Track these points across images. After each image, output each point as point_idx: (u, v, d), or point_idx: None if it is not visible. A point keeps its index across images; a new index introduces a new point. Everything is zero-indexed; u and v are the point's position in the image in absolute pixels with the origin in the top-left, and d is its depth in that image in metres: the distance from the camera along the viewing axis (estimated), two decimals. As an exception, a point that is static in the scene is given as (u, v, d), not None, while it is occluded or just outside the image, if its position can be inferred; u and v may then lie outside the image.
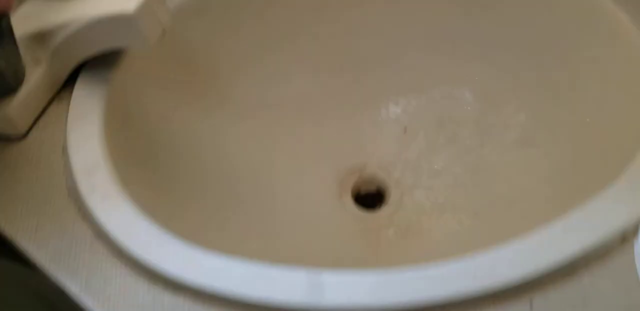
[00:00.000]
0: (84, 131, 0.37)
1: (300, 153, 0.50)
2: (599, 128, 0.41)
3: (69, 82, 0.41)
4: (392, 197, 0.49)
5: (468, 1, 0.48)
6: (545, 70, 0.46)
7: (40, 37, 0.39)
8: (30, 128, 0.39)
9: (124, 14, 0.35)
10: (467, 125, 0.49)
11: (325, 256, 0.42)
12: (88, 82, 0.40)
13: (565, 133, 0.44)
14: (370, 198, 0.49)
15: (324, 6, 0.49)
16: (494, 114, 0.49)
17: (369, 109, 0.52)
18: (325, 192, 0.49)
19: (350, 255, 0.45)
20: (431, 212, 0.46)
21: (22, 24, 0.40)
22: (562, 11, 0.44)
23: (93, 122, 0.37)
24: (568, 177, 0.41)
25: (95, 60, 0.41)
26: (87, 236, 0.34)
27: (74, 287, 0.32)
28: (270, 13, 0.48)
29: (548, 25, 0.45)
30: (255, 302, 0.29)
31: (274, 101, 0.50)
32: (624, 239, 0.30)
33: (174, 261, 0.31)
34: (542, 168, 0.44)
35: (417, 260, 0.32)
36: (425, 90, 0.51)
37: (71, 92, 0.40)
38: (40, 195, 0.36)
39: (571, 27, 0.44)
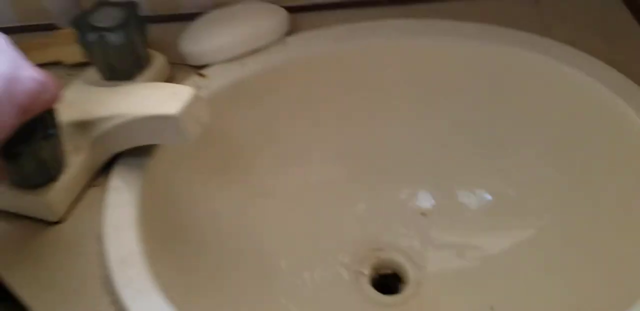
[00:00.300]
0: (120, 220, 0.39)
1: (318, 234, 0.52)
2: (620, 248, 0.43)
3: (105, 166, 0.43)
4: (409, 283, 0.50)
5: (494, 100, 0.50)
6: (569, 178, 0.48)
7: (83, 126, 0.42)
8: (67, 213, 0.41)
9: (167, 115, 0.38)
10: (484, 217, 0.51)
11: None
12: (124, 169, 0.42)
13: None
14: (386, 279, 0.51)
15: (350, 94, 0.51)
16: (511, 212, 0.51)
17: (389, 193, 0.54)
18: (343, 274, 0.51)
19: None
20: (448, 300, 0.47)
21: (65, 110, 0.42)
22: (588, 116, 0.46)
23: (129, 211, 0.39)
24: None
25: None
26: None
27: None
28: (296, 101, 0.51)
29: (573, 130, 0.48)
30: None
31: (296, 183, 0.52)
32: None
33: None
34: (563, 269, 0.45)
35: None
36: (445, 182, 0.53)
37: (107, 177, 0.42)
38: (76, 282, 0.38)
39: (596, 136, 0.46)
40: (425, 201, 0.54)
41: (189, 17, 0.52)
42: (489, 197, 0.52)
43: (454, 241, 0.52)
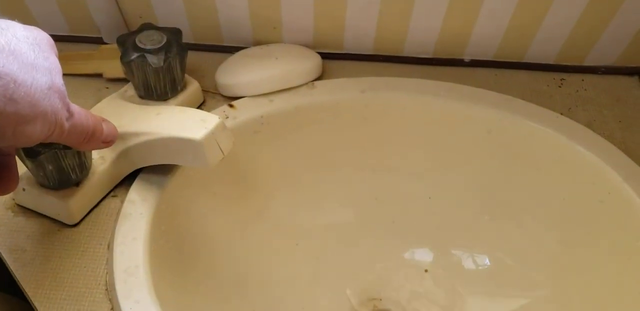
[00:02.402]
0: (131, 232, 0.41)
1: (320, 275, 0.54)
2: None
3: (126, 178, 0.46)
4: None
5: (505, 169, 0.52)
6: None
7: (112, 139, 0.44)
8: (83, 218, 0.44)
9: (192, 139, 0.40)
10: (482, 280, 0.53)
11: None
12: (143, 184, 0.44)
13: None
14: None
15: (369, 143, 0.54)
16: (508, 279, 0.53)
17: (393, 245, 0.56)
18: None
19: None
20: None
21: (97, 121, 0.45)
22: (595, 197, 0.48)
23: (141, 224, 0.42)
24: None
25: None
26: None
27: None
28: (316, 144, 0.54)
29: (578, 207, 0.49)
30: None
31: (306, 223, 0.55)
32: None
33: None
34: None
35: None
36: (448, 242, 0.55)
37: (126, 189, 0.45)
38: (81, 286, 0.40)
39: (601, 216, 0.48)
40: (428, 257, 0.56)
41: (229, 49, 0.56)
42: (487, 261, 0.54)
43: (451, 301, 0.53)
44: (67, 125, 0.33)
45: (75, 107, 0.34)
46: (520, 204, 0.53)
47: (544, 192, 0.51)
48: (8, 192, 0.35)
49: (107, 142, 0.39)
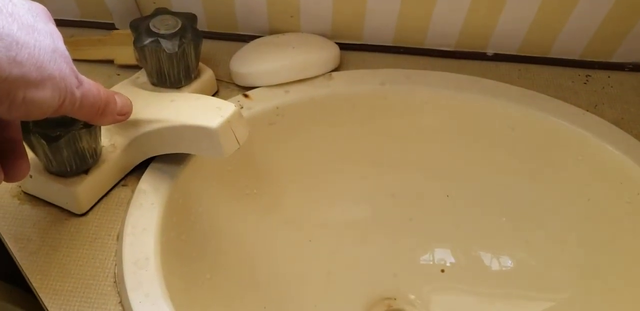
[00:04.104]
0: (142, 222, 0.40)
1: (333, 271, 0.53)
2: None
3: (137, 167, 0.44)
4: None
5: (529, 167, 0.51)
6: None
7: (123, 125, 0.42)
8: (92, 207, 0.42)
9: (207, 127, 0.38)
10: (503, 282, 0.51)
11: None
12: (155, 174, 0.43)
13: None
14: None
15: (387, 137, 0.52)
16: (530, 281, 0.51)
17: (410, 244, 0.54)
18: None
19: None
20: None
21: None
22: (623, 198, 0.46)
23: (152, 214, 0.40)
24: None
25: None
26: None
27: None
28: (332, 136, 0.52)
29: (605, 209, 0.48)
30: None
31: (320, 219, 0.53)
32: None
33: None
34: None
35: None
36: (469, 242, 0.54)
37: (136, 179, 0.43)
38: (89, 277, 0.38)
39: (626, 219, 0.46)
40: (445, 257, 0.54)
41: (244, 38, 0.54)
42: (509, 263, 0.52)
43: (468, 302, 0.52)
44: (78, 93, 0.31)
45: (83, 77, 0.32)
46: (543, 204, 0.51)
47: (569, 191, 0.49)
48: (19, 179, 0.33)
49: (123, 114, 0.37)
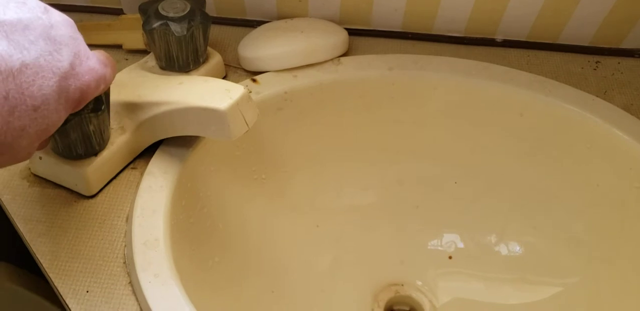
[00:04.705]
0: (151, 205, 0.40)
1: (340, 258, 0.53)
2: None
3: (146, 150, 0.44)
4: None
5: (537, 152, 0.50)
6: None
7: (132, 108, 0.43)
8: (101, 189, 0.42)
9: (216, 109, 0.38)
10: (511, 267, 0.51)
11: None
12: (164, 157, 0.43)
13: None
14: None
15: (395, 123, 0.52)
16: (538, 267, 0.51)
17: (417, 230, 0.54)
18: (359, 302, 0.51)
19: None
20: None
21: (117, 91, 0.44)
22: (632, 183, 0.46)
23: (161, 197, 0.40)
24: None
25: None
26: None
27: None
28: (340, 122, 0.52)
29: (612, 194, 0.48)
30: None
31: (327, 205, 0.53)
32: None
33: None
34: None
35: None
36: (477, 227, 0.53)
37: (145, 162, 0.43)
38: (98, 258, 0.38)
39: (636, 204, 0.46)
40: (453, 243, 0.54)
41: (252, 23, 0.54)
42: (517, 248, 0.52)
43: (476, 287, 0.51)
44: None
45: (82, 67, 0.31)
46: (551, 190, 0.51)
47: (577, 177, 0.49)
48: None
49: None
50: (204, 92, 0.40)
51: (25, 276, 0.53)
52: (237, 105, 0.39)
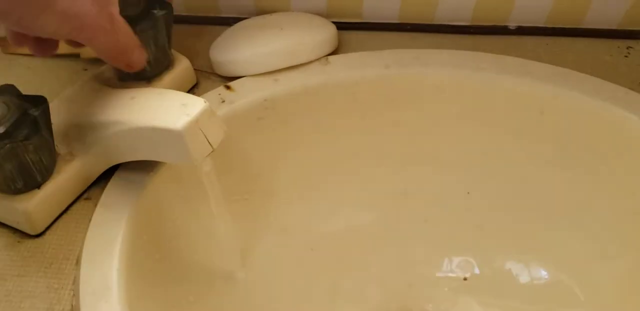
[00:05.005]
0: (103, 243, 0.34)
1: (337, 287, 0.47)
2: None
3: (102, 177, 0.38)
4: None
5: (560, 156, 0.45)
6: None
7: (81, 130, 0.37)
8: (49, 226, 0.36)
9: (171, 129, 0.32)
10: (539, 298, 0.45)
11: None
12: (120, 184, 0.37)
13: None
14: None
15: (394, 128, 0.46)
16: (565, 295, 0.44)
17: (429, 249, 0.48)
18: None
19: None
20: None
21: (65, 109, 0.38)
22: None
23: (116, 233, 0.34)
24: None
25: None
26: None
27: None
28: (330, 130, 0.46)
29: None
30: None
31: (321, 225, 0.48)
32: None
33: None
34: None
35: None
36: (498, 250, 0.48)
37: (101, 190, 0.37)
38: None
39: None
40: (467, 265, 0.48)
41: (227, 21, 0.48)
42: (542, 273, 0.46)
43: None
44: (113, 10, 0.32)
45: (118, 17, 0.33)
46: (579, 200, 0.44)
47: (610, 184, 0.43)
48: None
49: (132, 67, 0.36)
50: (157, 108, 0.34)
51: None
52: (196, 123, 0.33)
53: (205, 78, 0.45)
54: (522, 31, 0.48)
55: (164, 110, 0.33)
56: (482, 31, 0.48)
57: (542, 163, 0.45)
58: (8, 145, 0.32)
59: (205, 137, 0.33)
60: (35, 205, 0.35)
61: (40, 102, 0.34)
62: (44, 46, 0.35)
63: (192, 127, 0.32)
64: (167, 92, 0.35)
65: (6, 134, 0.32)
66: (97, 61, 0.45)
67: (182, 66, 0.43)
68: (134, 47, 0.35)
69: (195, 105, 0.33)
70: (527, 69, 0.44)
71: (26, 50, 0.49)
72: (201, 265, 0.41)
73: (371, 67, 0.45)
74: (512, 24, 0.48)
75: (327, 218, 0.48)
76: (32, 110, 0.33)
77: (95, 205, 0.36)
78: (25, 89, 0.35)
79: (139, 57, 0.36)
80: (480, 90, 0.44)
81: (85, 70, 0.45)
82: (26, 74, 0.46)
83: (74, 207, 0.37)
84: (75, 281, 0.33)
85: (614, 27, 0.47)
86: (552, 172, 0.45)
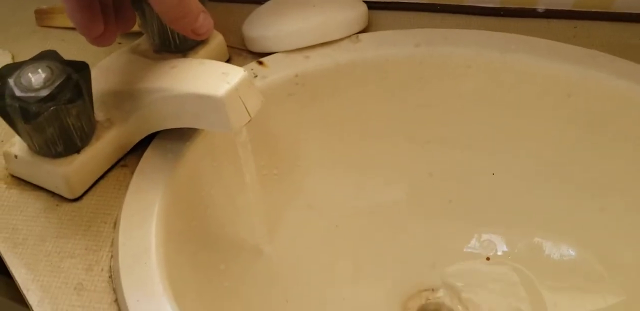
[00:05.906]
0: (142, 210, 0.34)
1: (362, 261, 0.47)
2: None
3: (139, 145, 0.39)
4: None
5: (592, 139, 0.44)
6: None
7: (120, 98, 0.37)
8: (87, 191, 0.37)
9: (211, 96, 0.33)
10: (566, 275, 0.45)
11: None
12: (158, 152, 0.37)
13: None
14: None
15: (422, 108, 0.46)
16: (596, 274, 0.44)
17: (453, 228, 0.48)
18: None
19: None
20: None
21: (103, 78, 0.38)
22: None
23: (153, 199, 0.35)
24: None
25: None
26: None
27: None
28: (360, 108, 0.46)
29: None
30: None
31: (347, 202, 0.47)
32: None
33: None
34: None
35: None
36: (522, 227, 0.47)
37: (138, 158, 0.38)
38: (80, 272, 0.33)
39: None
40: (492, 244, 0.48)
41: (259, 0, 0.48)
42: (571, 251, 0.46)
43: (519, 295, 0.45)
44: None
45: None
46: (606, 182, 0.44)
47: (638, 166, 0.42)
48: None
49: (198, 34, 0.36)
50: (199, 76, 0.34)
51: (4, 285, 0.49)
52: (237, 91, 0.33)
53: (237, 54, 0.45)
54: (550, 14, 0.47)
55: (205, 78, 0.34)
56: (510, 13, 0.47)
57: (570, 145, 0.45)
58: (52, 108, 0.32)
59: (244, 105, 0.34)
60: (75, 169, 0.35)
61: (82, 67, 0.34)
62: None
63: (232, 95, 0.33)
64: (207, 61, 0.36)
65: (50, 97, 0.32)
66: (132, 34, 0.46)
67: (217, 41, 0.43)
68: (199, 12, 0.35)
69: (235, 73, 0.34)
70: (555, 50, 0.43)
71: (60, 23, 0.50)
72: (231, 236, 0.42)
73: (401, 45, 0.44)
74: (541, 7, 0.47)
75: (353, 197, 0.48)
76: (74, 75, 0.34)
77: (132, 172, 0.37)
78: (61, 60, 0.36)
79: (203, 23, 0.36)
80: (508, 71, 0.44)
81: (120, 43, 0.46)
82: (61, 46, 0.46)
83: (111, 173, 0.38)
84: (114, 244, 0.34)
85: (643, 11, 0.47)
86: (578, 153, 0.45)
